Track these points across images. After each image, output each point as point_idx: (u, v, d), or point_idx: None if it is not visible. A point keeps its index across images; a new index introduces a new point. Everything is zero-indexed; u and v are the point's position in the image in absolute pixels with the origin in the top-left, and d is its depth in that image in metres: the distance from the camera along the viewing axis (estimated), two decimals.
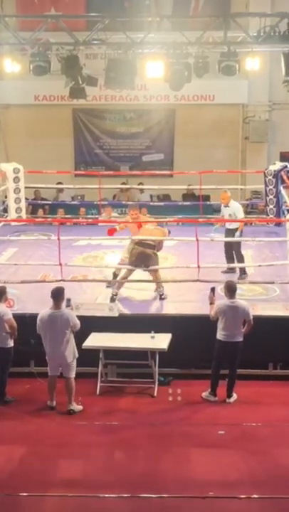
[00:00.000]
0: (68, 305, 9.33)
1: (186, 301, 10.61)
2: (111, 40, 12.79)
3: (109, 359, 9.61)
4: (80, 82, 12.05)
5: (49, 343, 8.90)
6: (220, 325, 9.18)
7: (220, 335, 9.18)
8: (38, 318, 9.00)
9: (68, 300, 9.36)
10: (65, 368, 8.92)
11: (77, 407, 8.93)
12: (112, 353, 9.55)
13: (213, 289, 9.50)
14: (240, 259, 11.67)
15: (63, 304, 9.12)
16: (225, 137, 19.05)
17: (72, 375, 8.92)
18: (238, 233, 11.67)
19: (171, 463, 7.82)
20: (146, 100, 18.22)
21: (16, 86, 17.16)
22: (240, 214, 11.95)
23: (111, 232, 11.29)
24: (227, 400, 9.23)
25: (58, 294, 8.99)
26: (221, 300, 9.31)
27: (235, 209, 11.86)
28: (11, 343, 9.13)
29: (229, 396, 9.26)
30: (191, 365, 9.96)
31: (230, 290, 9.27)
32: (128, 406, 9.25)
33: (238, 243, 11.67)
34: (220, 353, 9.20)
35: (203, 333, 9.57)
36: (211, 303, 9.37)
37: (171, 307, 10.52)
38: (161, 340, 9.50)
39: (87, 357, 9.44)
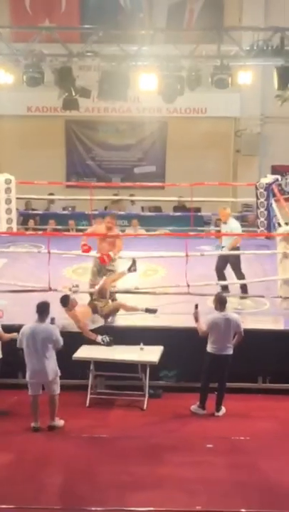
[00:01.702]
0: (52, 323, 9.00)
1: (176, 313, 10.58)
2: (105, 53, 12.85)
3: (99, 371, 9.58)
4: (73, 93, 12.08)
5: (30, 358, 8.69)
6: (211, 338, 9.14)
7: (211, 348, 9.15)
8: (20, 332, 8.81)
9: (53, 319, 9.04)
10: (47, 385, 8.73)
11: (58, 422, 8.77)
12: (102, 365, 9.51)
13: (196, 306, 9.41)
14: (241, 277, 11.33)
15: (48, 320, 8.91)
16: (217, 150, 19.09)
17: (56, 391, 8.74)
18: (224, 249, 11.34)
19: (158, 476, 7.77)
20: (139, 112, 18.24)
21: (9, 97, 17.14)
22: (239, 230, 11.63)
23: (87, 251, 11.02)
24: (216, 414, 9.21)
25: (42, 309, 8.81)
26: (212, 314, 9.25)
27: (233, 228, 11.56)
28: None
29: (218, 409, 9.25)
30: (182, 379, 9.92)
31: (221, 302, 9.26)
32: (117, 418, 9.22)
33: (237, 260, 11.33)
34: (210, 366, 9.18)
35: (193, 346, 9.55)
36: (197, 320, 9.31)
37: (163, 319, 10.46)
38: (153, 353, 9.49)
39: (77, 369, 9.44)
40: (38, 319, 8.79)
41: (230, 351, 9.14)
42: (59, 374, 8.78)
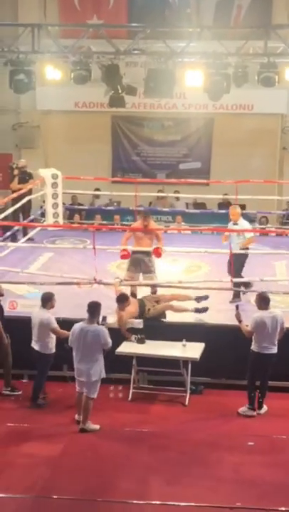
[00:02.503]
0: (103, 322, 8.99)
1: (218, 310, 10.62)
2: (151, 49, 12.91)
3: (141, 366, 9.67)
4: (120, 91, 12.16)
5: (77, 358, 8.70)
6: (256, 337, 9.06)
7: (256, 347, 9.08)
8: (71, 331, 8.83)
9: (104, 318, 9.02)
10: (87, 386, 8.67)
11: (91, 426, 8.69)
12: (144, 360, 9.61)
13: (237, 307, 9.36)
14: (239, 272, 11.08)
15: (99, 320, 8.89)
16: (263, 147, 19.03)
17: (93, 395, 8.65)
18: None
19: (199, 472, 7.84)
20: (185, 109, 18.29)
21: (57, 92, 17.35)
22: (249, 234, 11.31)
23: (126, 256, 10.98)
24: (257, 412, 9.20)
25: (93, 309, 8.77)
26: (257, 313, 9.16)
27: (245, 227, 11.38)
28: (52, 350, 9.28)
29: (260, 407, 9.24)
30: (223, 375, 9.96)
31: (265, 300, 9.19)
32: (159, 414, 9.30)
33: (241, 263, 11.10)
34: (255, 364, 9.12)
35: (235, 343, 9.59)
36: (240, 321, 9.23)
37: (205, 316, 10.51)
38: (194, 350, 9.54)
39: (120, 363, 9.55)
40: (88, 319, 8.74)
41: (275, 350, 9.09)
42: (103, 376, 8.72)
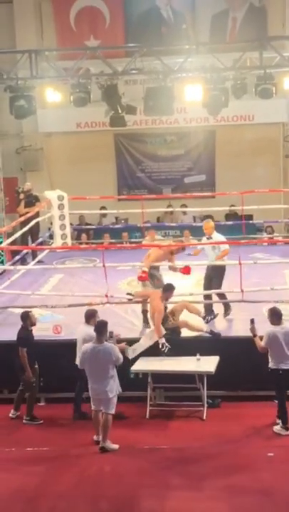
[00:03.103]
0: (111, 337, 9.06)
1: (231, 322, 10.62)
2: (149, 66, 12.98)
3: (157, 383, 9.68)
4: (120, 111, 12.24)
5: (92, 378, 8.77)
6: (271, 353, 8.97)
7: (273, 363, 8.97)
8: (81, 352, 8.88)
9: (111, 333, 9.10)
10: (104, 403, 8.70)
11: (111, 446, 8.69)
12: (160, 377, 9.62)
13: (252, 321, 9.22)
14: (221, 295, 11.05)
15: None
16: (266, 156, 19.06)
17: (111, 411, 8.69)
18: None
19: (220, 485, 7.82)
20: (186, 123, 18.34)
21: (58, 114, 17.46)
22: (224, 247, 11.08)
23: (145, 278, 10.82)
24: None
25: (101, 328, 8.82)
26: (270, 328, 9.08)
27: (217, 240, 11.23)
28: None
29: None
30: (239, 387, 9.95)
31: (277, 315, 9.09)
32: (178, 429, 9.31)
33: (221, 276, 11.05)
34: (279, 382, 8.98)
35: (250, 354, 9.59)
36: (254, 335, 9.14)
37: (218, 328, 10.51)
38: (209, 363, 9.55)
39: (135, 381, 9.57)
40: (97, 339, 8.77)
41: None
42: (120, 390, 8.81)
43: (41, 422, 9.59)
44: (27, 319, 9.66)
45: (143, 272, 10.74)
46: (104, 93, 11.96)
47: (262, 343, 9.02)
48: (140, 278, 10.79)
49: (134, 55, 11.99)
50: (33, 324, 9.74)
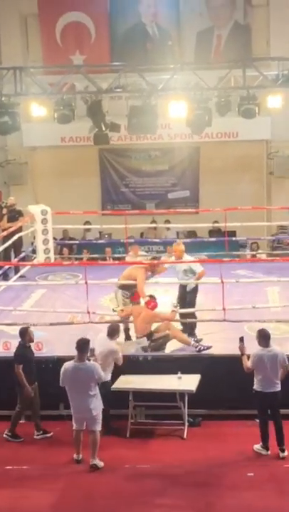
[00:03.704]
0: (92, 355, 9.08)
1: (213, 341, 10.62)
2: (134, 84, 13.01)
3: (138, 401, 9.65)
4: (104, 128, 12.25)
5: (74, 396, 8.73)
6: (257, 375, 8.87)
7: (258, 385, 8.86)
8: (62, 371, 8.79)
9: (92, 350, 9.10)
10: (90, 422, 8.69)
11: (99, 462, 8.65)
12: (141, 395, 9.59)
13: (242, 339, 9.09)
14: (192, 315, 11.06)
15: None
16: (250, 173, 19.20)
17: (98, 428, 8.70)
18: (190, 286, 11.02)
19: (202, 505, 7.81)
20: (171, 139, 18.41)
21: (43, 128, 17.45)
22: (198, 268, 11.00)
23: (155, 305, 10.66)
24: (281, 455, 8.79)
25: (83, 346, 8.78)
26: (257, 350, 8.96)
27: (191, 264, 11.10)
28: (108, 377, 9.38)
29: (282, 450, 8.83)
30: (220, 406, 9.94)
31: (265, 338, 8.96)
32: (158, 448, 9.26)
33: (194, 295, 11.06)
34: (261, 404, 8.93)
35: (231, 373, 9.59)
36: (242, 354, 9.01)
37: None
38: (190, 382, 9.53)
39: (116, 398, 9.53)
40: (78, 357, 8.74)
41: (278, 387, 8.84)
42: (102, 407, 8.79)
43: (51, 433, 9.51)
44: (25, 335, 9.53)
45: (151, 301, 10.49)
46: (89, 110, 11.98)
47: (248, 364, 8.93)
48: (153, 307, 10.46)
49: (118, 72, 12.01)
50: (32, 341, 9.61)
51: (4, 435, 9.51)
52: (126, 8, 18.83)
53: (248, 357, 8.99)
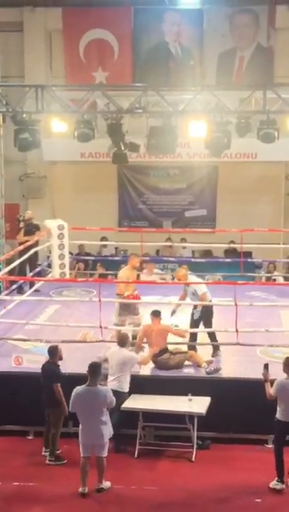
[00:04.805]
0: (104, 378, 9.03)
1: (224, 363, 10.60)
2: (154, 101, 13.04)
3: (147, 421, 9.63)
4: (123, 148, 12.30)
5: (84, 422, 8.61)
6: (280, 403, 8.62)
7: (280, 415, 8.63)
8: (73, 395, 8.67)
9: (105, 376, 9.04)
10: (98, 448, 8.58)
11: (106, 484, 8.60)
12: (150, 415, 9.57)
13: (266, 366, 8.82)
14: (212, 336, 11.05)
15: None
16: (267, 194, 19.17)
17: (105, 454, 8.58)
18: (197, 310, 11.07)
19: None
20: (190, 157, 18.41)
21: (63, 144, 17.50)
22: (201, 289, 11.14)
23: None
24: None
25: (95, 370, 8.68)
26: (281, 378, 8.72)
27: (195, 286, 11.22)
28: (127, 388, 9.47)
29: None
30: (229, 430, 9.90)
31: None
32: (166, 470, 9.23)
33: (210, 316, 11.11)
34: (282, 434, 8.73)
35: (241, 397, 9.56)
36: (266, 380, 8.76)
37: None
38: (200, 404, 9.51)
39: (125, 418, 9.50)
40: (90, 381, 8.63)
41: None
42: (112, 434, 8.72)
43: (65, 461, 9.33)
44: (56, 354, 9.47)
45: (130, 295, 11.16)
46: (109, 129, 12.04)
47: (271, 391, 8.71)
48: (135, 297, 11.16)
49: (139, 92, 12.07)
50: (61, 358, 9.54)
51: (47, 462, 9.36)
52: (150, 27, 18.93)
53: (272, 384, 8.78)
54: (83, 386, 8.68)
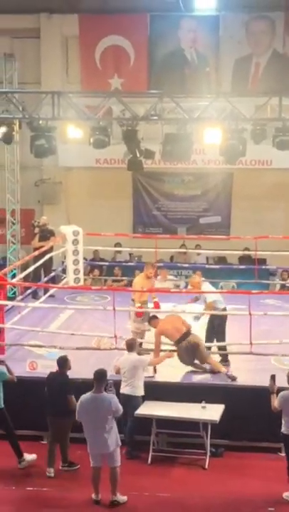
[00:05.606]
0: (110, 387, 8.78)
1: (238, 370, 10.58)
2: (170, 108, 13.06)
3: (161, 428, 9.63)
4: (138, 155, 12.30)
5: (90, 430, 8.50)
6: (284, 416, 8.55)
7: (285, 428, 8.54)
8: (78, 404, 8.59)
9: (110, 383, 8.80)
10: (108, 458, 8.48)
11: (121, 497, 8.46)
12: (164, 422, 9.56)
13: (273, 377, 8.75)
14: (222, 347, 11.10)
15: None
16: (282, 201, 19.12)
17: (118, 463, 8.48)
18: (198, 317, 11.24)
19: None
20: (204, 164, 18.42)
21: (79, 150, 17.50)
22: (210, 297, 11.17)
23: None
24: None
25: (99, 377, 8.59)
26: (285, 391, 8.64)
27: (206, 295, 11.25)
28: (141, 392, 9.50)
29: None
30: (243, 438, 9.87)
31: None
32: (179, 477, 9.23)
33: (223, 323, 11.08)
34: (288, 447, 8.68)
35: (255, 405, 9.53)
36: (272, 392, 8.67)
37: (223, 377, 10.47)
38: (214, 411, 9.49)
39: (139, 424, 9.51)
40: (96, 389, 8.55)
41: None
42: (119, 444, 8.64)
43: (78, 466, 9.33)
44: (66, 365, 9.43)
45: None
46: (124, 136, 12.05)
47: (275, 404, 8.66)
48: (139, 314, 11.27)
49: (155, 99, 12.09)
50: (70, 368, 9.50)
51: (61, 467, 9.36)
52: (166, 33, 18.92)
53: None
54: (89, 393, 8.60)
